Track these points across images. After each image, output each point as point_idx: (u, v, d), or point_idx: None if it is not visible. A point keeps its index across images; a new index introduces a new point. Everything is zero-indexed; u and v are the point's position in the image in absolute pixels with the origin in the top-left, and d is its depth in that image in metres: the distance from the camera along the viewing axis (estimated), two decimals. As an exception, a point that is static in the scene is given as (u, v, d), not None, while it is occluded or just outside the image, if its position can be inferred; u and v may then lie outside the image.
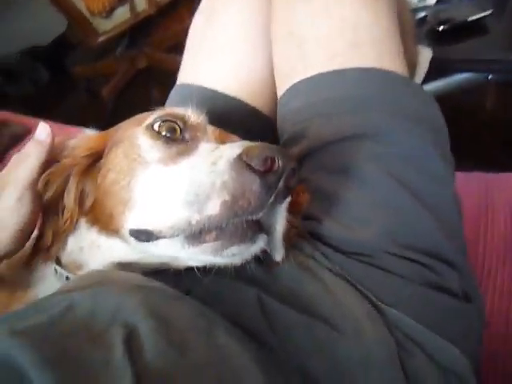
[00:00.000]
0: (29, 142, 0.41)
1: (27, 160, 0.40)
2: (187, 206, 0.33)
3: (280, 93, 0.60)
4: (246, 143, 0.34)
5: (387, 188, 0.48)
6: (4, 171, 0.40)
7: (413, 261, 0.45)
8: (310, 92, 0.55)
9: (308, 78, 0.55)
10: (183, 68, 0.71)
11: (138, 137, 0.40)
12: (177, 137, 0.40)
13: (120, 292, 0.33)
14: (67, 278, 0.42)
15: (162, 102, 2.13)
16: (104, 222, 0.41)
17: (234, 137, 0.45)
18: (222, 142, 0.41)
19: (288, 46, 0.58)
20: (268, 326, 0.37)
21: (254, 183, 0.31)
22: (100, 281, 0.35)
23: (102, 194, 0.41)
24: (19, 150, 0.41)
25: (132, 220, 0.38)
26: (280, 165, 0.32)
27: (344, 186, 0.49)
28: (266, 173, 0.31)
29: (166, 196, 0.35)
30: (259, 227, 0.34)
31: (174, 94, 0.71)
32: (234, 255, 0.34)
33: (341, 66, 0.53)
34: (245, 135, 0.44)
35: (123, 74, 2.09)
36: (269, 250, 0.38)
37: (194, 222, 0.32)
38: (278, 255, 0.39)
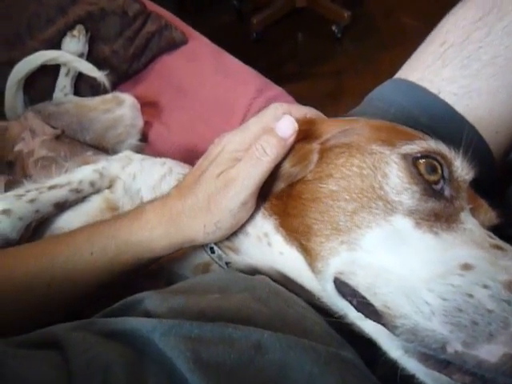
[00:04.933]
0: (267, 134, 0.35)
1: (264, 159, 0.34)
2: (449, 325, 0.24)
3: None
4: None
5: None
6: (236, 167, 0.36)
7: None
8: None
9: None
10: (421, 62, 0.55)
11: (388, 162, 0.32)
12: (436, 187, 0.31)
13: (316, 358, 0.27)
14: (227, 263, 0.38)
15: (305, 48, 2.03)
16: (294, 227, 0.34)
17: (481, 201, 0.35)
18: (473, 207, 0.32)
19: None
20: None
21: None
22: (267, 298, 0.30)
23: (307, 195, 0.34)
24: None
25: (342, 263, 0.30)
26: None
27: None
28: None
29: (413, 276, 0.27)
30: None
31: (391, 88, 0.57)
32: None
33: None
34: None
35: (279, 8, 1.99)
36: None
37: (449, 351, 0.24)
38: None
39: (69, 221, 0.50)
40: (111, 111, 0.80)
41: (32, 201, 0.48)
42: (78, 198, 0.52)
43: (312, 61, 1.87)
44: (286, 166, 0.36)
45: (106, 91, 0.90)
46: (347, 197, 0.31)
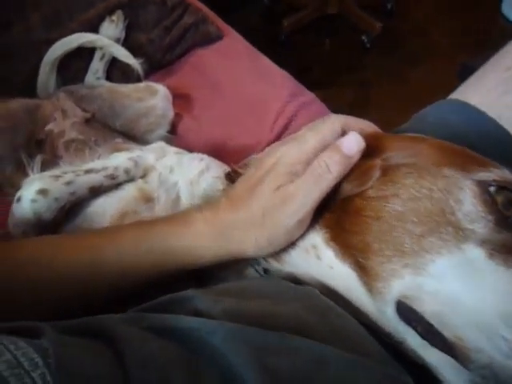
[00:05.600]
0: (331, 150, 0.34)
1: (327, 177, 0.33)
2: None
3: None
4: None
5: None
6: (295, 183, 0.34)
7: None
8: None
9: None
10: (481, 86, 0.53)
11: (462, 188, 0.31)
12: (509, 221, 0.29)
13: (380, 380, 0.26)
14: (265, 271, 0.37)
15: (332, 56, 2.00)
16: (350, 243, 0.33)
17: None
18: None
19: None
20: None
21: None
22: (322, 310, 0.29)
23: (369, 212, 0.33)
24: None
25: (406, 287, 0.29)
26: None
27: None
28: None
29: (488, 310, 0.26)
30: None
31: (448, 109, 0.54)
32: None
33: None
34: None
35: (310, 12, 1.98)
36: None
37: None
38: None
39: (103, 206, 0.49)
40: (144, 100, 0.80)
41: (69, 183, 0.47)
42: (112, 184, 0.52)
43: (338, 69, 1.86)
44: (344, 181, 0.35)
45: (137, 79, 0.90)
46: (415, 219, 0.30)
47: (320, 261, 0.35)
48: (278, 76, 0.95)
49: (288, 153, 0.36)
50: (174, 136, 0.83)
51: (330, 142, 0.36)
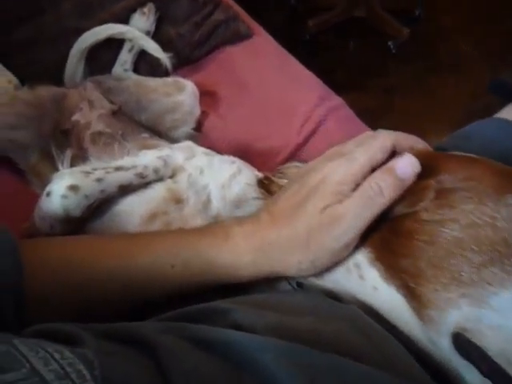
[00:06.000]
0: (385, 172, 0.33)
1: (379, 201, 0.32)
2: None
3: None
4: None
5: None
6: (344, 205, 0.33)
7: None
8: None
9: None
10: None
11: None
12: None
13: None
14: (299, 284, 0.36)
15: (357, 59, 1.97)
16: (400, 266, 0.32)
17: None
18: None
19: None
20: None
21: None
22: (369, 331, 0.28)
23: (423, 236, 0.31)
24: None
25: (465, 319, 0.28)
26: None
27: None
28: None
29: None
30: None
31: (494, 128, 0.52)
32: None
33: None
34: None
35: (337, 13, 1.96)
36: None
37: None
38: None
39: (132, 205, 0.48)
40: (171, 95, 0.79)
41: (99, 180, 0.46)
42: (141, 183, 0.51)
43: (362, 73, 1.84)
44: (394, 201, 0.33)
45: (165, 73, 0.89)
46: (475, 247, 0.29)
47: (363, 281, 0.34)
48: (307, 78, 0.93)
49: (336, 170, 0.34)
50: (198, 134, 0.82)
51: (380, 161, 0.34)
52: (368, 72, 1.84)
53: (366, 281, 0.34)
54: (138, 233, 0.44)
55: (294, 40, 1.91)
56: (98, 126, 0.71)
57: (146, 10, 0.87)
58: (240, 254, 0.35)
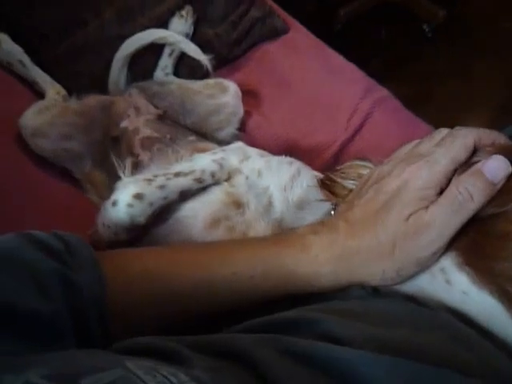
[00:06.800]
0: (473, 176, 0.31)
1: (469, 206, 0.30)
2: None
3: None
4: None
5: None
6: (431, 212, 0.32)
7: None
8: None
9: None
10: None
11: None
12: None
13: None
14: (374, 289, 0.35)
15: (392, 46, 1.90)
16: (495, 270, 0.30)
17: None
18: None
19: None
20: None
21: None
22: (472, 343, 0.27)
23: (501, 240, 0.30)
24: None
25: None
26: None
27: None
28: None
29: None
30: None
31: None
32: None
33: None
34: None
35: (368, 0, 1.90)
36: None
37: None
38: None
39: (194, 210, 0.49)
40: (215, 97, 0.79)
41: (162, 187, 0.47)
42: (199, 187, 0.51)
43: (398, 60, 1.78)
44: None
45: (204, 75, 0.89)
46: None
47: (450, 285, 0.32)
48: (349, 70, 0.91)
49: (417, 174, 0.33)
50: (243, 134, 0.82)
51: (463, 161, 0.33)
52: (403, 59, 1.78)
53: (453, 286, 0.32)
54: (214, 242, 0.44)
55: (326, 30, 1.88)
56: (146, 131, 0.73)
57: (184, 12, 0.88)
58: (320, 264, 0.34)
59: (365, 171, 0.41)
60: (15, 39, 0.81)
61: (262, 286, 0.35)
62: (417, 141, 0.37)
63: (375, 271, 0.34)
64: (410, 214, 0.32)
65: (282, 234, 0.40)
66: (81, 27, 0.85)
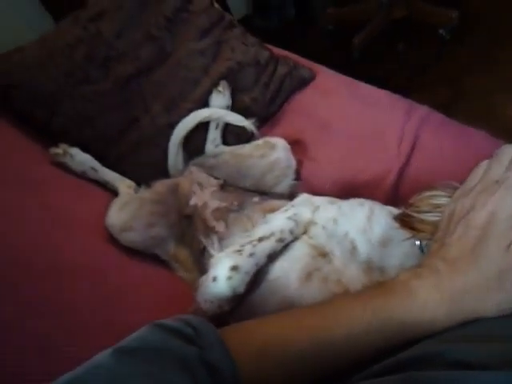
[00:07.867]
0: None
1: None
2: None
3: None
4: None
5: None
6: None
7: None
8: None
9: None
10: None
11: None
12: None
13: None
14: None
15: (411, 58, 1.91)
16: None
17: None
18: None
19: None
20: None
21: None
22: None
23: None
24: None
25: None
26: None
27: None
28: None
29: None
30: None
31: None
32: None
33: None
34: None
35: (377, 23, 1.96)
36: None
37: None
38: None
39: (284, 270, 0.52)
40: (266, 156, 0.84)
41: (251, 254, 0.51)
42: (281, 246, 0.55)
43: (421, 71, 1.79)
44: None
45: (250, 137, 0.96)
46: None
47: None
48: (383, 97, 0.94)
49: (502, 204, 0.34)
50: (300, 182, 0.86)
51: None
52: (426, 68, 1.79)
53: None
54: (321, 303, 0.43)
55: (344, 62, 1.94)
56: (214, 203, 0.78)
57: (220, 88, 0.96)
58: (432, 309, 0.35)
59: (436, 201, 0.42)
60: (82, 148, 0.91)
61: (377, 339, 0.36)
62: (484, 164, 0.39)
63: (489, 305, 0.34)
64: (509, 244, 0.33)
65: (385, 282, 0.41)
66: (134, 124, 0.95)
